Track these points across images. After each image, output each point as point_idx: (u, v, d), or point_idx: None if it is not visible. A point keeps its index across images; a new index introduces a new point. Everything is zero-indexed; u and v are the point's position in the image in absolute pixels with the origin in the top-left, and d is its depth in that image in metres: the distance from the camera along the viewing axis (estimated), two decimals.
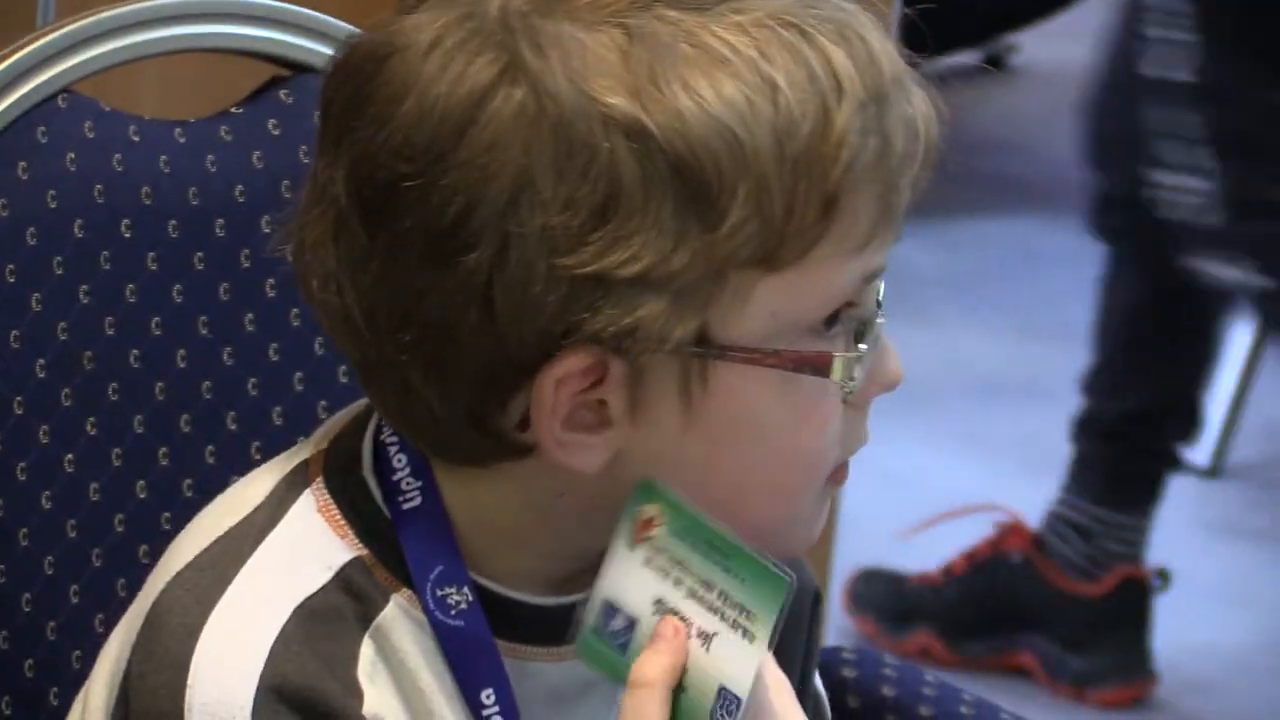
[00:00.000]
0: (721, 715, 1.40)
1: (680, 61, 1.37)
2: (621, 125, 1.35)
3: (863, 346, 1.40)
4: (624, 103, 1.35)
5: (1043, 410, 4.25)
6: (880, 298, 1.45)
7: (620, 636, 1.45)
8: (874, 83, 1.39)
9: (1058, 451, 3.95)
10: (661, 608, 1.43)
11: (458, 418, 1.41)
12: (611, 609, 1.45)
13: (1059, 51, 5.87)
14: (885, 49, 1.41)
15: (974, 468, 4.39)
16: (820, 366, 1.39)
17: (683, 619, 1.41)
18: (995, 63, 6.33)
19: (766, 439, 1.40)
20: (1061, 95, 5.03)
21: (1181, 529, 4.22)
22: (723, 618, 1.42)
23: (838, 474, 1.46)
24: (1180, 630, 3.88)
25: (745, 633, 1.40)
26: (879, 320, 1.44)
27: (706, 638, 1.41)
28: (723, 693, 1.39)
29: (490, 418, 1.40)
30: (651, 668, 1.41)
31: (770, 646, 1.40)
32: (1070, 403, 3.93)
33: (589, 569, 1.47)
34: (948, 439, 4.53)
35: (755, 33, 1.38)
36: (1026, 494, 4.00)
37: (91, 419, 1.72)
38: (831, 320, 1.38)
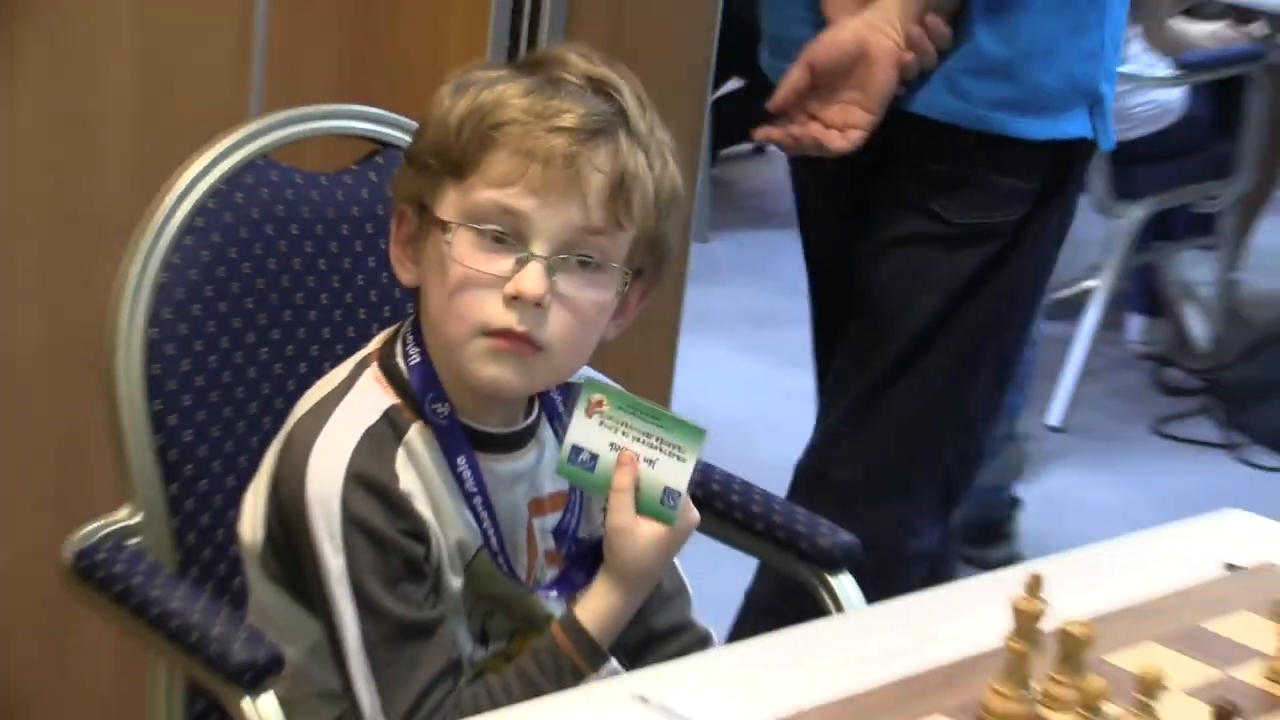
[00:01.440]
0: (667, 504, 1.95)
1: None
2: None
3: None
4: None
5: None
6: (545, 253, 1.92)
7: (587, 465, 1.95)
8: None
9: None
10: (616, 448, 1.94)
11: None
12: (578, 449, 1.94)
13: None
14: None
15: None
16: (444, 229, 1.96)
17: (633, 453, 1.94)
18: (760, 150, 7.01)
19: (447, 282, 1.98)
20: None
21: None
22: (661, 450, 1.95)
23: (494, 336, 1.94)
24: None
25: (679, 458, 1.94)
26: (533, 257, 1.92)
27: (651, 462, 1.93)
28: (667, 491, 1.94)
29: None
30: (622, 479, 1.94)
31: (695, 469, 1.94)
32: None
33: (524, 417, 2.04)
34: None
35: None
36: None
37: (264, 349, 2.22)
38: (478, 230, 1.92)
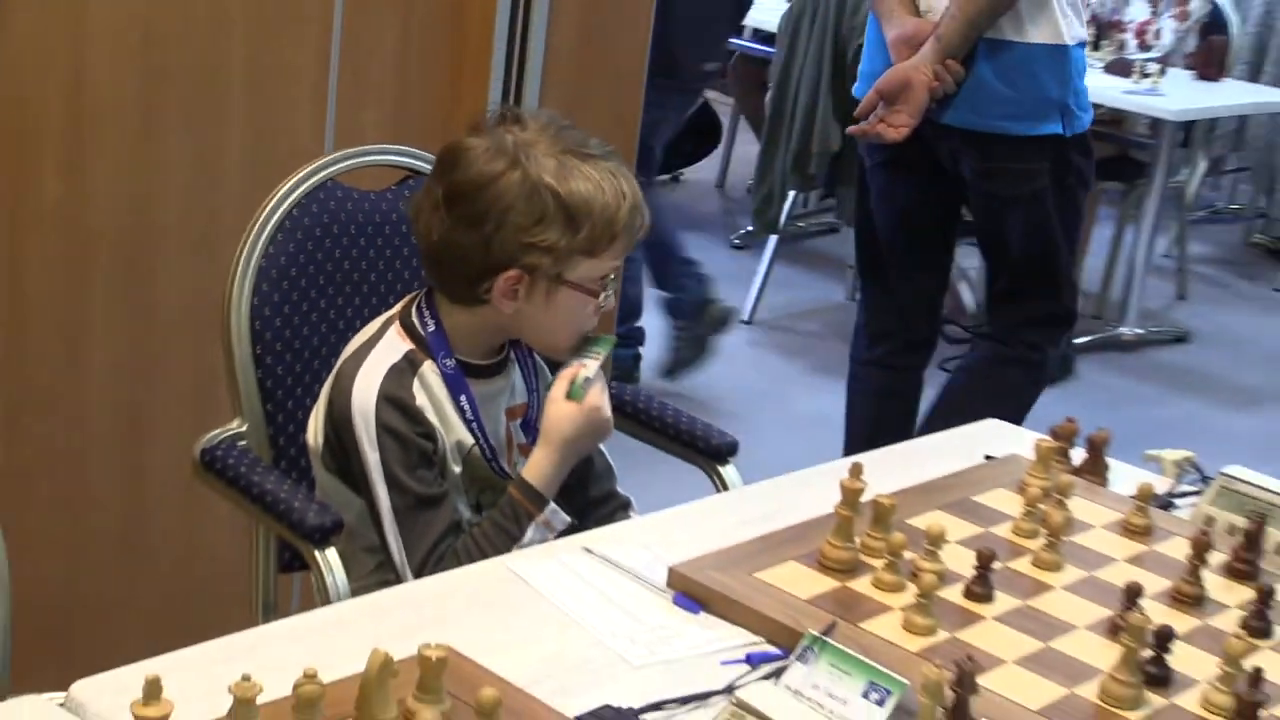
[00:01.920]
0: (584, 387, 1.98)
1: (574, 172, 1.91)
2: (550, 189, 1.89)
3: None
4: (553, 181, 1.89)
5: None
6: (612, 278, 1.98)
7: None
8: (631, 192, 1.95)
9: None
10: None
11: (462, 284, 1.95)
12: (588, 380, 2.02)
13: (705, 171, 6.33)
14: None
15: None
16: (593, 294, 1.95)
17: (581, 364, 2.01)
18: (676, 179, 6.88)
19: (563, 315, 1.98)
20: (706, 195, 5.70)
21: None
22: (595, 359, 2.01)
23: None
24: None
25: (594, 357, 2.00)
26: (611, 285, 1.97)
27: (584, 364, 2.00)
28: (585, 380, 1.99)
29: (475, 286, 1.94)
30: (568, 370, 1.99)
31: (600, 362, 1.99)
32: None
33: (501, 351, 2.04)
34: None
35: (594, 167, 1.93)
36: None
37: (331, 312, 2.22)
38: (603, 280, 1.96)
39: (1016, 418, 3.00)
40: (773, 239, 5.51)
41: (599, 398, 1.98)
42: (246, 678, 1.24)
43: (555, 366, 2.09)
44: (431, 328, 1.98)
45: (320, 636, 1.57)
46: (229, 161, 2.71)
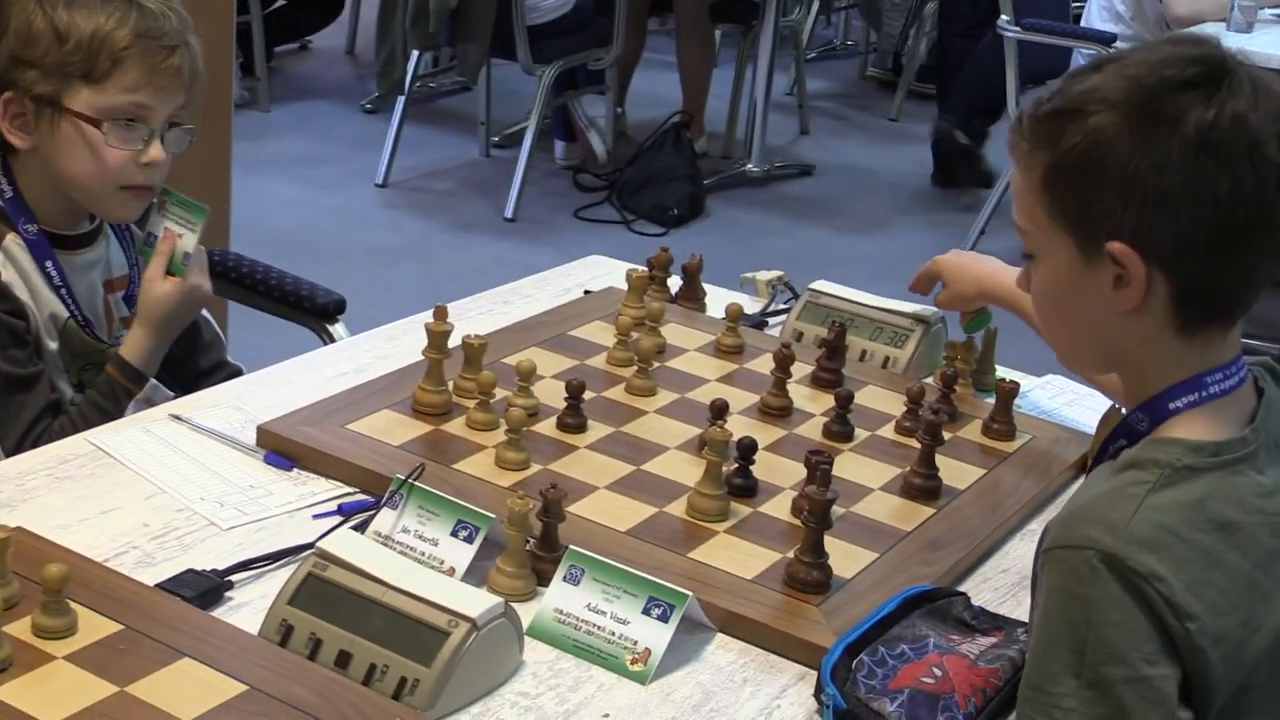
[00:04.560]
0: (184, 263, 1.91)
1: None
2: None
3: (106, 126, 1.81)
4: None
5: None
6: (162, 128, 1.85)
7: (151, 242, 1.94)
8: (146, 25, 1.82)
9: None
10: (167, 230, 1.94)
11: None
12: (150, 234, 1.96)
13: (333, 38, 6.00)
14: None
15: None
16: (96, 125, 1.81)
17: (176, 234, 1.93)
18: (304, 47, 6.60)
19: (75, 152, 1.84)
20: (336, 62, 5.63)
21: None
22: (187, 227, 1.93)
23: (131, 190, 1.88)
24: None
25: (192, 230, 1.93)
26: (153, 131, 1.85)
27: (181, 234, 1.92)
28: (185, 255, 1.92)
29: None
30: (161, 246, 1.93)
31: (198, 234, 1.92)
32: None
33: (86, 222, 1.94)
34: None
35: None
36: None
37: None
38: (117, 120, 1.82)
39: None
40: (401, 100, 5.41)
41: (200, 276, 1.92)
42: None
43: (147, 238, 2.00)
44: (9, 194, 1.88)
45: None
46: None
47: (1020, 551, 1.65)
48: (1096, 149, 1.19)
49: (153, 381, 1.90)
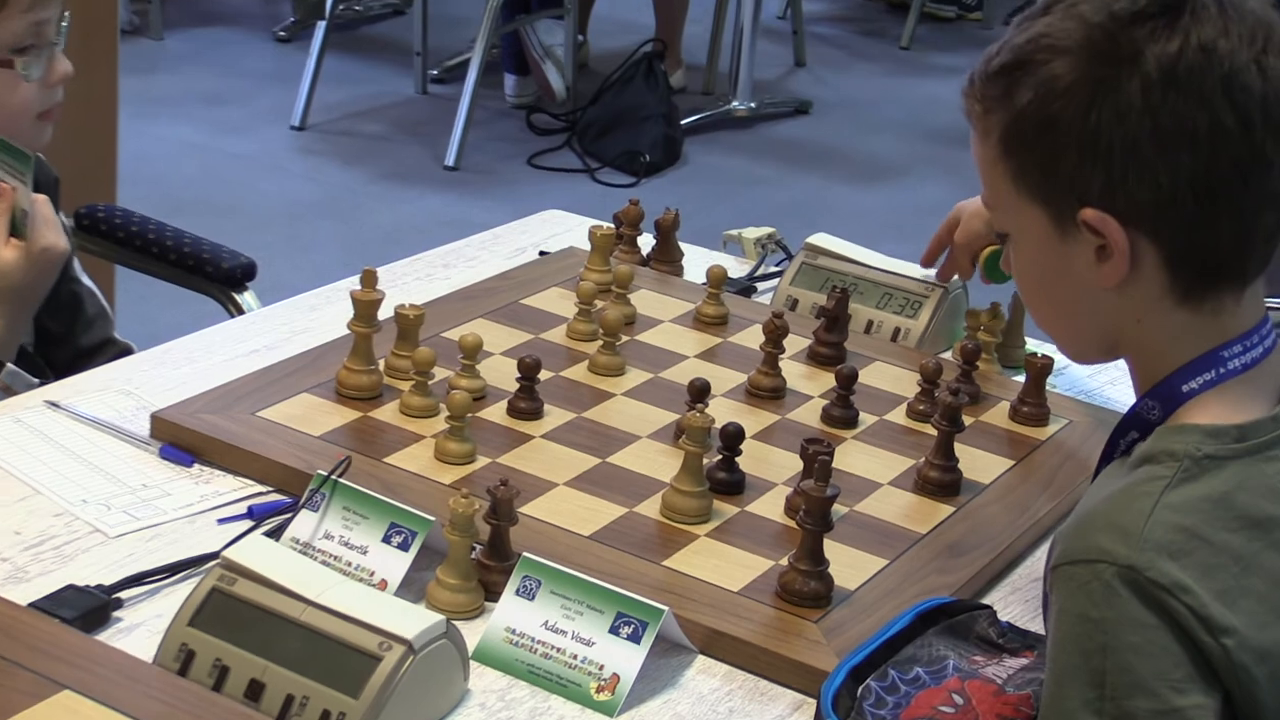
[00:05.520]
0: (23, 221, 1.85)
1: None
2: None
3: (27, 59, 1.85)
4: None
5: None
6: (56, 37, 1.89)
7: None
8: None
9: None
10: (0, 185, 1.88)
11: None
12: None
13: None
14: None
15: None
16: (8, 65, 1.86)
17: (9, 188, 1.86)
18: None
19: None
20: None
21: None
22: (17, 179, 1.86)
23: (45, 115, 1.93)
24: None
25: (23, 181, 1.85)
26: (52, 45, 1.89)
27: (15, 190, 1.85)
28: (22, 212, 1.86)
29: None
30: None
31: (29, 185, 1.85)
32: None
33: None
34: None
35: None
36: None
37: None
38: (22, 50, 1.87)
39: None
40: (321, 26, 5.39)
41: (50, 233, 1.87)
42: None
43: None
44: None
45: None
46: None
47: None
48: (1050, 103, 1.20)
49: (10, 367, 1.88)
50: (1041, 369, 1.87)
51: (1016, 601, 1.59)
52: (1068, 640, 1.17)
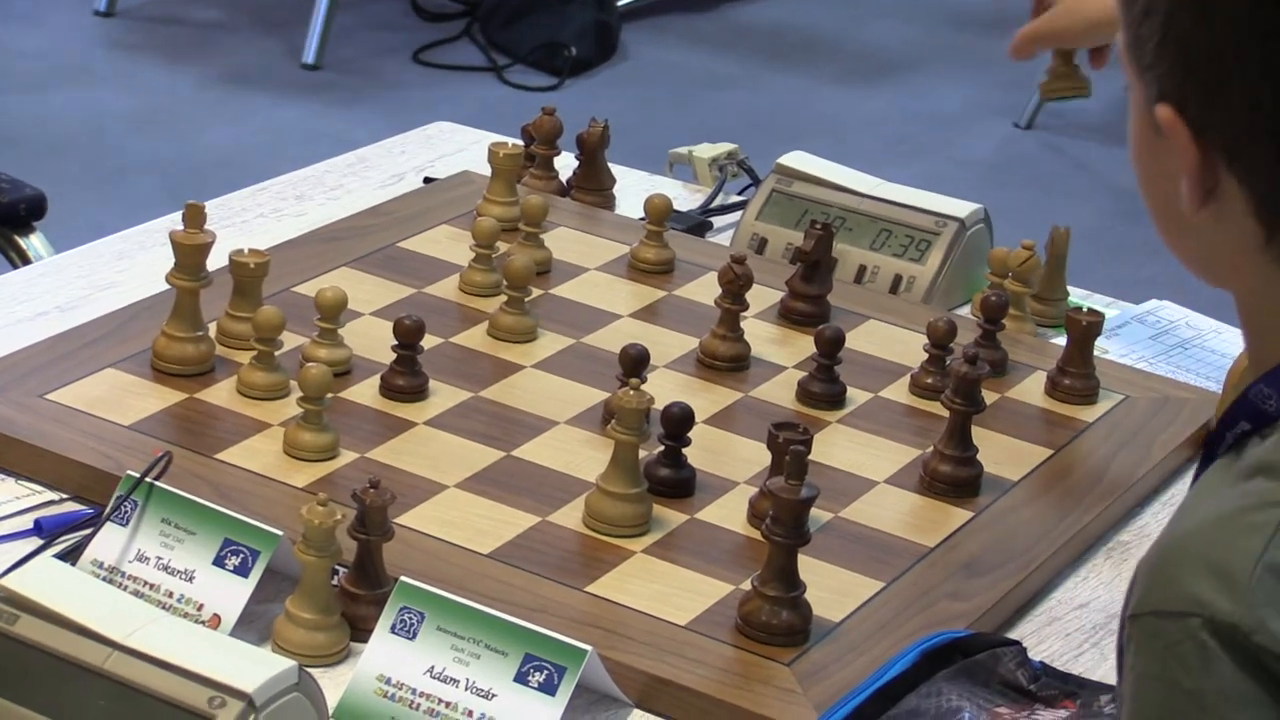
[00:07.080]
0: None
1: None
2: None
3: None
4: None
5: None
6: None
7: None
8: None
9: None
10: None
11: None
12: None
13: None
14: None
15: None
16: None
17: None
18: None
19: None
20: None
21: None
22: None
23: None
24: None
25: None
26: None
27: None
28: None
29: None
30: None
31: None
32: None
33: None
34: None
35: None
36: None
37: None
38: None
39: None
40: None
41: None
42: None
43: None
44: None
45: None
46: None
47: (1105, 577, 1.67)
48: None
49: None
50: (1088, 329, 1.87)
51: (1054, 635, 1.60)
52: (1149, 713, 1.15)
